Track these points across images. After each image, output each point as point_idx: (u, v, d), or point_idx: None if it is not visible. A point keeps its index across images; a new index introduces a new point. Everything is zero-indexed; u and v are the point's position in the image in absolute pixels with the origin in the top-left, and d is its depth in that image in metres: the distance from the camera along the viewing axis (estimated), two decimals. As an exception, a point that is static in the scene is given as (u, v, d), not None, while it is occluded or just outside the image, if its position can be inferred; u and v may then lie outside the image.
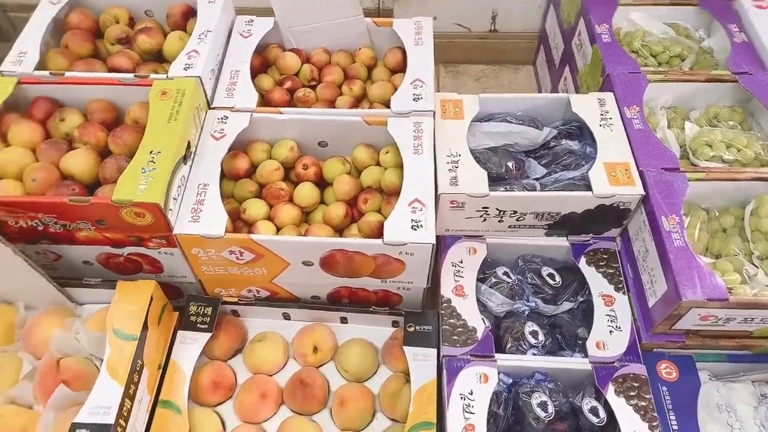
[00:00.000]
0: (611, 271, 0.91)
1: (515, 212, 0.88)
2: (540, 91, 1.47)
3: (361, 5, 1.01)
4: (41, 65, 0.94)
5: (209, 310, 0.91)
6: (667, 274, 0.79)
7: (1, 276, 0.82)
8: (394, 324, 0.95)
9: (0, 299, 0.89)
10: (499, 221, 0.90)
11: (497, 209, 0.88)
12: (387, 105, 0.99)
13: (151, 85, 0.88)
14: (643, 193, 0.85)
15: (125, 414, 0.76)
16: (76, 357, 0.83)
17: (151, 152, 0.79)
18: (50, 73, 0.91)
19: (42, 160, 0.86)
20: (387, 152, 0.92)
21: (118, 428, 0.74)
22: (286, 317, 0.97)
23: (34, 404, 0.81)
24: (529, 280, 0.92)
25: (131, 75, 0.91)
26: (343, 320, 0.96)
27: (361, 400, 0.86)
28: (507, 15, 1.45)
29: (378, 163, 0.93)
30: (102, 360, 0.85)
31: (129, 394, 0.77)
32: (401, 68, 1.04)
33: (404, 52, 1.01)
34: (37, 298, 0.88)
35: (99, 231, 0.81)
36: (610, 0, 1.12)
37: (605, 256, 0.93)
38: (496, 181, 0.90)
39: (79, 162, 0.84)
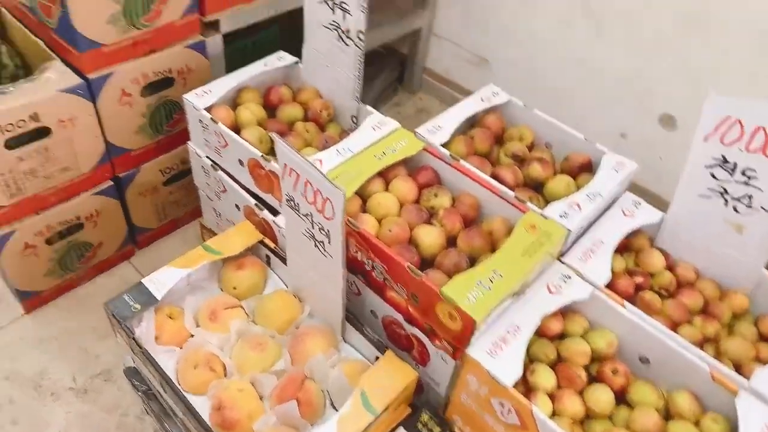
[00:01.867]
0: None
1: None
2: None
3: None
4: (446, 144, 1.05)
5: (438, 429, 0.87)
6: None
7: (315, 280, 0.91)
8: None
9: (297, 293, 1.00)
10: None
11: None
12: (737, 367, 0.85)
13: (523, 212, 0.90)
14: None
15: (324, 469, 0.76)
16: (319, 386, 0.87)
17: (494, 271, 0.80)
18: (450, 155, 1.01)
19: (403, 217, 0.94)
20: (714, 420, 0.77)
21: (311, 479, 0.74)
22: (494, 488, 0.88)
23: (266, 399, 0.87)
24: None
25: (512, 193, 0.95)
26: None
27: None
28: None
29: (697, 423, 0.79)
30: (334, 404, 0.88)
31: (337, 455, 0.77)
32: (777, 340, 0.88)
33: (791, 327, 0.86)
34: (322, 311, 0.95)
35: (407, 301, 0.85)
36: None
37: None
38: None
39: (430, 239, 0.90)
